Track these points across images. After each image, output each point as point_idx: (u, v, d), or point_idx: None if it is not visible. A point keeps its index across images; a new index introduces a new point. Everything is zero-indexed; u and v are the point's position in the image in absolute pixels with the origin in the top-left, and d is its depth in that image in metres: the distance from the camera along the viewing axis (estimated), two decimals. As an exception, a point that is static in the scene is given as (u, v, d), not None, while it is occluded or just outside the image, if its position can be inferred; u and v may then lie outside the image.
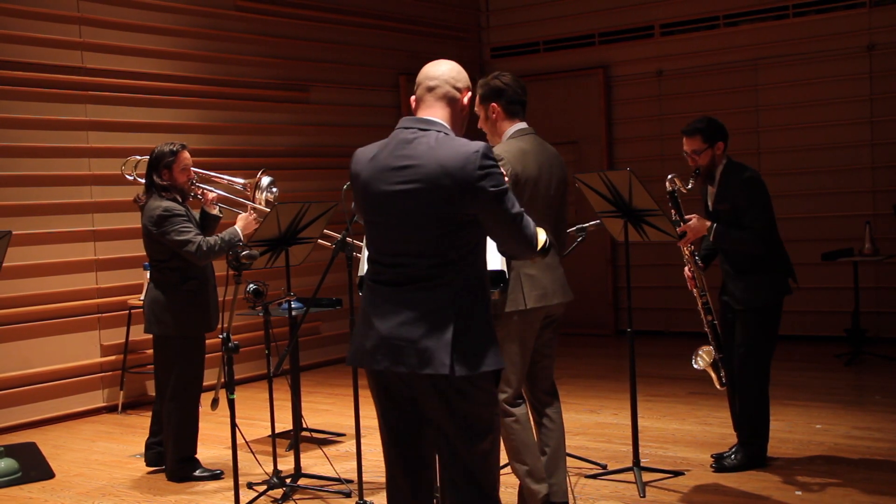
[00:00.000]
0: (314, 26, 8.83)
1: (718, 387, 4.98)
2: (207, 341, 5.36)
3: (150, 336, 5.28)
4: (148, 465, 5.47)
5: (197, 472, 5.26)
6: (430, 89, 2.96)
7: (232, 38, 8.14)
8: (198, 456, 5.34)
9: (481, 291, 2.87)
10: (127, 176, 5.69)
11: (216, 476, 5.24)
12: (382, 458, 3.05)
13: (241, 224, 5.16)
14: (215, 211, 5.39)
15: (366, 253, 3.21)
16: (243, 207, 5.35)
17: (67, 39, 7.03)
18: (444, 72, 2.97)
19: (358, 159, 2.95)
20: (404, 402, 2.90)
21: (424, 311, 2.80)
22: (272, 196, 5.31)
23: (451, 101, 2.96)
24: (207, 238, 5.05)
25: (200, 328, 5.21)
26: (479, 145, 2.80)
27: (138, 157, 5.62)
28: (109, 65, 7.26)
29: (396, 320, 2.83)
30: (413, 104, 3.01)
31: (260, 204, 5.27)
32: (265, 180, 5.29)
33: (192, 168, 5.27)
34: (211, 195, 5.35)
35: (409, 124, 2.92)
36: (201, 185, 5.32)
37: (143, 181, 5.34)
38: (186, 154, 5.21)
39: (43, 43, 6.88)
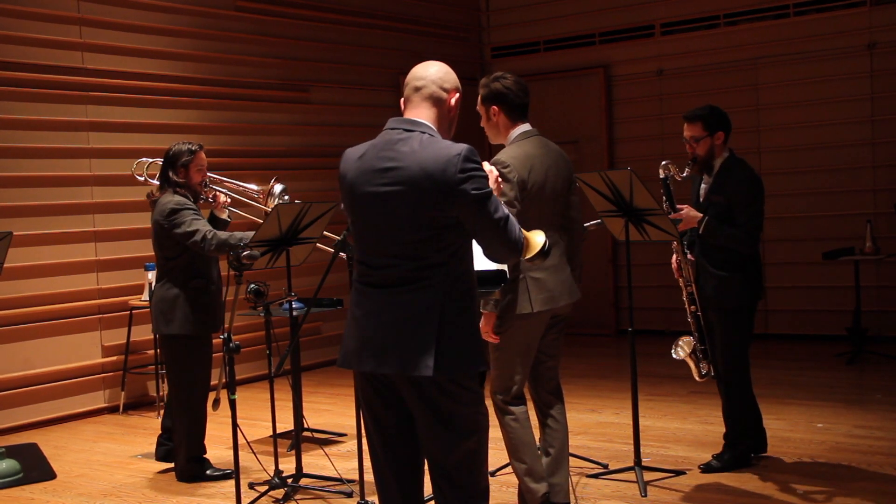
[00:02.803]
0: (314, 26, 8.83)
1: (697, 378, 4.93)
2: (209, 342, 5.35)
3: (152, 337, 5.28)
4: (157, 459, 5.46)
5: (209, 472, 5.26)
6: (417, 89, 2.96)
7: (232, 38, 8.13)
8: (204, 456, 5.34)
9: (467, 293, 2.87)
10: (138, 177, 5.68)
11: (227, 475, 5.22)
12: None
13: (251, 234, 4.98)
14: (224, 215, 5.39)
15: None
16: (254, 211, 5.33)
17: (68, 40, 7.02)
18: (431, 73, 2.97)
19: (346, 159, 2.97)
20: (395, 401, 2.91)
21: (410, 313, 2.81)
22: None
23: (438, 102, 2.95)
24: (218, 231, 5.03)
25: (206, 328, 5.20)
26: (461, 147, 2.78)
27: (149, 160, 5.61)
28: (110, 65, 7.25)
29: (382, 322, 2.84)
30: (402, 104, 3.01)
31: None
32: (278, 188, 5.28)
33: (207, 172, 5.29)
34: (222, 199, 5.36)
35: (395, 125, 2.93)
36: (213, 187, 5.33)
37: (154, 182, 5.37)
38: (203, 154, 5.24)
39: (43, 43, 6.88)
